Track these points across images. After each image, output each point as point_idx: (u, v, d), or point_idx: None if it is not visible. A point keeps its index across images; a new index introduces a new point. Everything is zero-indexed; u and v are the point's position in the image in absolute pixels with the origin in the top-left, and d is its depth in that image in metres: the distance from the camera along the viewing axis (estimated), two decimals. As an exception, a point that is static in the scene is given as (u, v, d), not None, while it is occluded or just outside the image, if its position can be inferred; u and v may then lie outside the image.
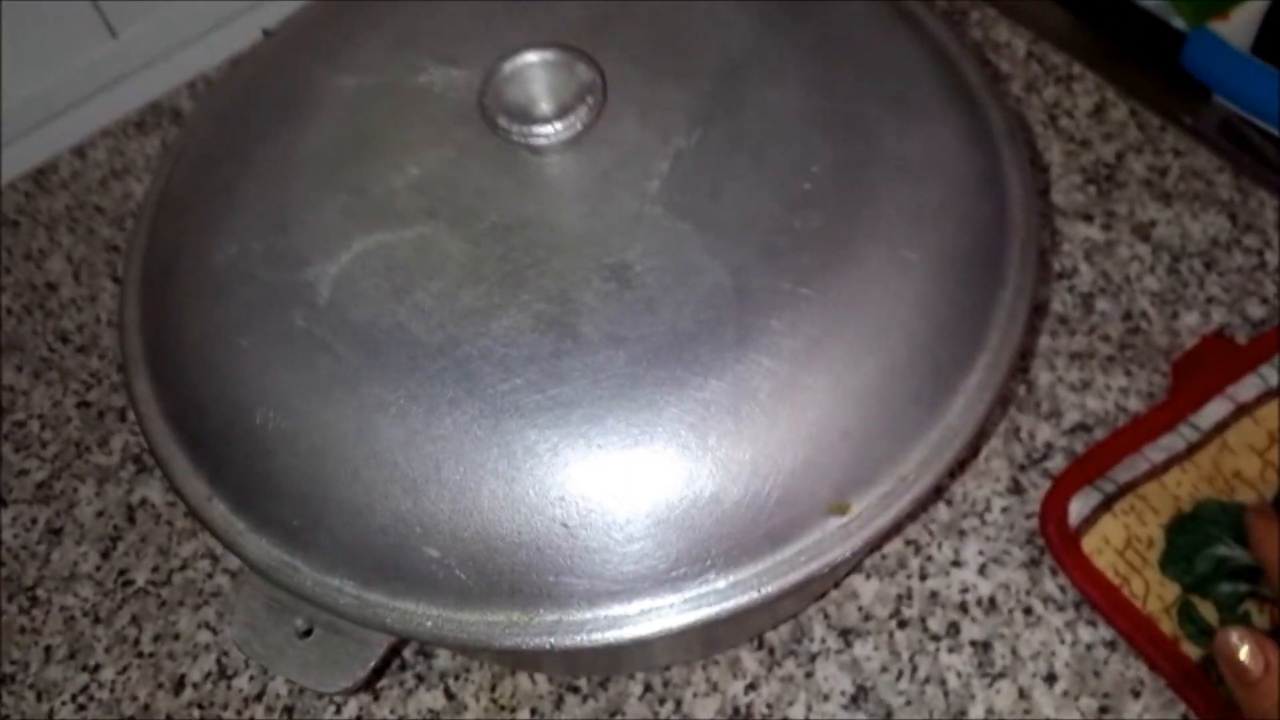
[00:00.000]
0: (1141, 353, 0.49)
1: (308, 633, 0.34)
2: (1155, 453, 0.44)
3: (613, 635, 0.32)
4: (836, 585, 0.45)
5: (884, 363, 0.33)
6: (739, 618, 0.32)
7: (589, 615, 0.32)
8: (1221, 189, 0.52)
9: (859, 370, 0.33)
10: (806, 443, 0.32)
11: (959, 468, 0.47)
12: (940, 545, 0.45)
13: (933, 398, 0.33)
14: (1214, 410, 0.45)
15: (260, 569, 0.34)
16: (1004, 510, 0.46)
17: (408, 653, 0.45)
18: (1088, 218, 0.52)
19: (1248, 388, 0.45)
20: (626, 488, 0.32)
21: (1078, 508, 0.43)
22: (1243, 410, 0.44)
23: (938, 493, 0.46)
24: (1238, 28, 0.51)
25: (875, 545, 0.39)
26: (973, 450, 0.47)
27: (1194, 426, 0.45)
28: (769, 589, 0.32)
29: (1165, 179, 0.53)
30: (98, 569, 0.49)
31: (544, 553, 0.32)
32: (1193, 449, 0.44)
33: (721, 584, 0.32)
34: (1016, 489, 0.46)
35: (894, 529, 0.34)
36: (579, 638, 0.32)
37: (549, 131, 0.34)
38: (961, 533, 0.46)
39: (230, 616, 0.34)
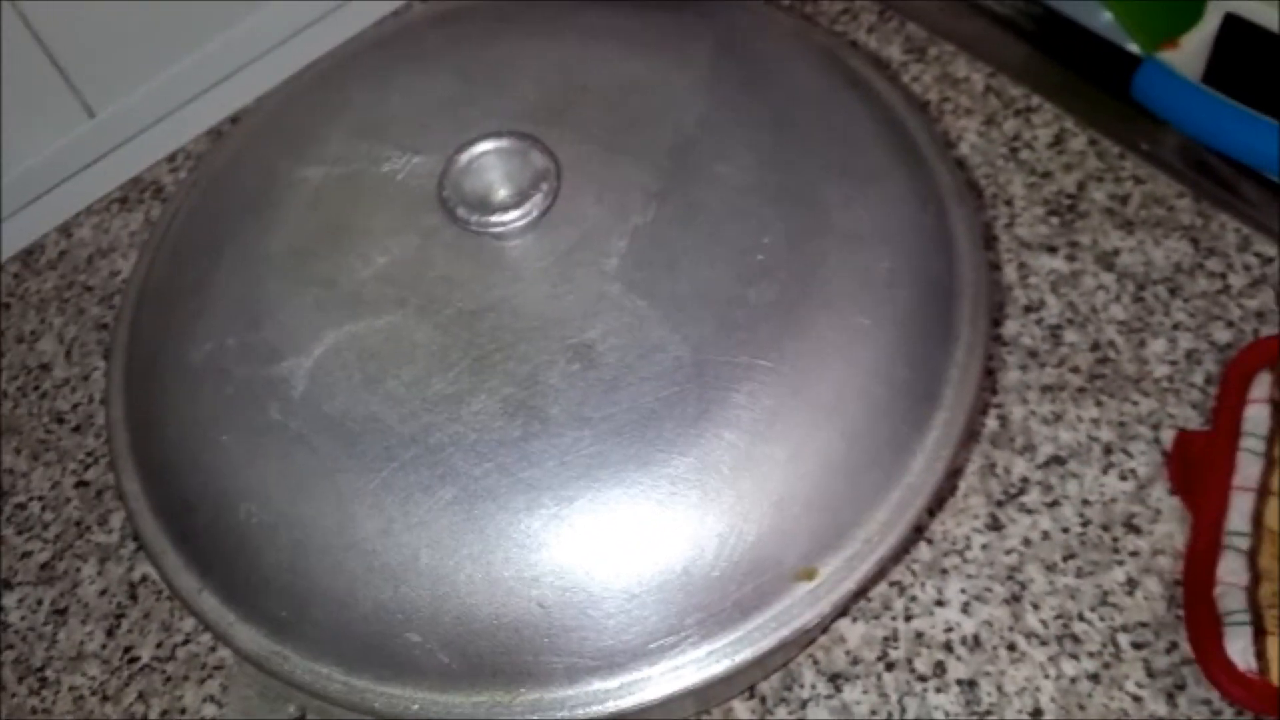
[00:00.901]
0: (1111, 382, 0.50)
1: (300, 719, 0.36)
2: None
3: (595, 710, 0.33)
4: (824, 630, 0.46)
5: (843, 428, 0.34)
6: (722, 681, 0.33)
7: (570, 692, 0.33)
8: (1183, 214, 0.53)
9: (818, 437, 0.34)
10: (771, 512, 0.33)
11: (937, 505, 0.48)
12: (923, 585, 0.46)
13: (892, 459, 0.34)
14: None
15: (251, 659, 0.35)
16: (984, 547, 0.47)
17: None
18: (1052, 249, 0.53)
19: None
20: (599, 566, 0.33)
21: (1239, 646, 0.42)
22: None
23: (918, 531, 0.47)
24: (1188, 56, 0.52)
25: (844, 607, 0.40)
26: (950, 488, 0.48)
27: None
28: (742, 656, 0.33)
29: (1126, 206, 0.54)
30: (103, 647, 0.51)
31: (522, 633, 0.33)
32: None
33: (697, 654, 0.33)
34: (995, 525, 0.47)
35: (862, 590, 0.35)
36: (561, 714, 0.33)
37: (507, 219, 0.36)
38: (943, 571, 0.46)
39: (226, 706, 0.36)
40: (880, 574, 0.36)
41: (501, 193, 0.36)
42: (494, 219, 0.35)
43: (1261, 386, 0.46)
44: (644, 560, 0.33)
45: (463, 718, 0.33)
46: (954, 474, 0.36)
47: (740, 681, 0.43)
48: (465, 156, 0.36)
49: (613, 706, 0.33)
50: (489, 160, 0.36)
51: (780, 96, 0.39)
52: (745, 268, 0.35)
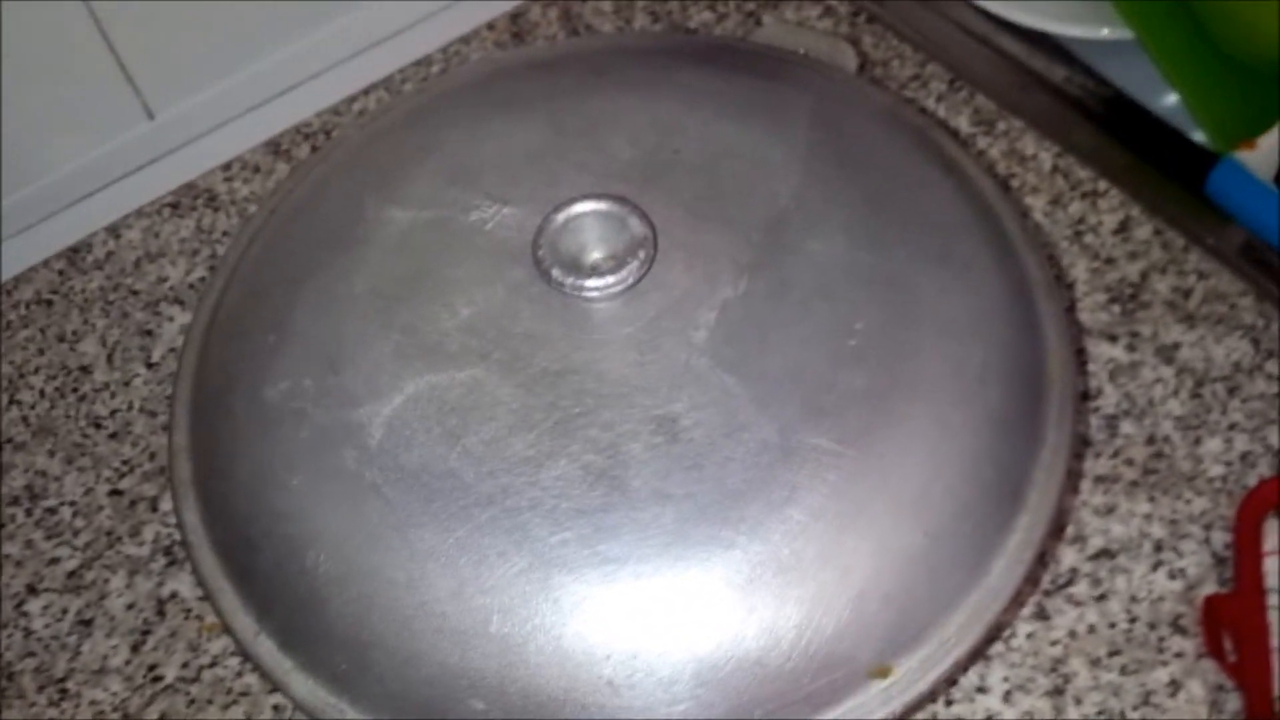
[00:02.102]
0: (1165, 478, 0.49)
1: (351, 775, 0.35)
2: None
3: (655, 794, 0.32)
4: None
5: (927, 525, 0.34)
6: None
7: (632, 774, 0.32)
8: (1244, 313, 0.53)
9: (902, 533, 0.33)
10: (850, 606, 0.33)
11: (983, 589, 0.48)
12: (966, 670, 0.46)
13: (974, 559, 0.34)
14: None
15: (307, 709, 0.34)
16: (1029, 636, 0.46)
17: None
18: (1112, 338, 0.53)
19: None
20: (673, 648, 0.32)
21: None
22: None
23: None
24: (1263, 157, 0.52)
25: (916, 708, 0.39)
26: (997, 572, 0.48)
27: None
28: (810, 752, 0.32)
29: (1189, 300, 0.54)
30: (127, 663, 0.50)
31: (589, 710, 0.32)
32: None
33: (764, 746, 0.32)
34: (1042, 614, 0.47)
35: (935, 692, 0.34)
36: (621, 796, 0.32)
37: (601, 285, 0.35)
38: (987, 658, 0.46)
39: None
40: (954, 676, 0.36)
41: (596, 255, 0.36)
42: (588, 283, 0.35)
43: (1273, 536, 0.46)
44: (718, 646, 0.32)
45: (520, 790, 0.33)
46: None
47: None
48: (562, 215, 0.36)
49: (675, 792, 0.32)
50: (586, 221, 0.36)
51: (874, 176, 0.39)
52: (836, 351, 0.35)
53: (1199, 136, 0.57)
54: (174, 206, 0.62)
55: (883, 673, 0.33)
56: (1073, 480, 0.50)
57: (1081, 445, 0.50)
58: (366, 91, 0.64)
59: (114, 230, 0.62)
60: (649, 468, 0.34)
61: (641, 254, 0.36)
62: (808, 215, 0.38)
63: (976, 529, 0.34)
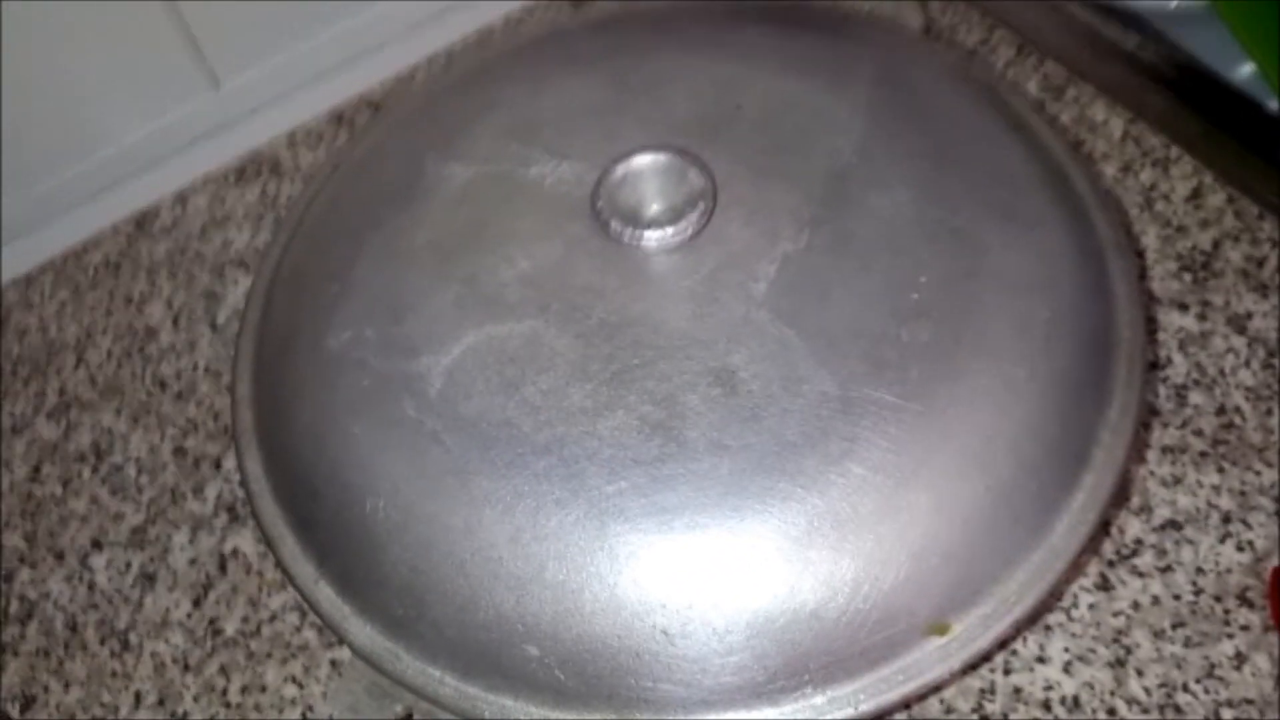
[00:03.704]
0: (1235, 449, 0.48)
1: (407, 719, 0.35)
2: None
3: (709, 744, 0.32)
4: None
5: (989, 482, 0.33)
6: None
7: (685, 723, 0.32)
8: (1320, 283, 0.51)
9: (964, 489, 0.33)
10: (908, 561, 0.32)
11: (1045, 559, 0.47)
12: (1025, 640, 0.45)
13: (1036, 518, 0.33)
14: None
15: (364, 654, 0.35)
16: (1090, 607, 0.46)
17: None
18: (1183, 306, 0.52)
19: None
20: (728, 598, 0.32)
21: None
22: None
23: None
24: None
25: (974, 666, 0.39)
26: (1059, 542, 0.47)
27: None
28: (865, 707, 0.32)
29: (1262, 270, 0.52)
30: (189, 616, 0.51)
31: (643, 659, 0.32)
32: None
33: (818, 700, 0.32)
34: (1105, 585, 0.46)
35: (993, 650, 0.34)
36: (674, 745, 0.32)
37: (660, 236, 0.35)
38: (1047, 628, 0.45)
39: (332, 699, 0.35)
40: (1013, 635, 0.35)
41: (655, 208, 0.36)
42: (647, 234, 0.35)
43: None
44: (773, 597, 0.32)
45: (573, 738, 0.33)
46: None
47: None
48: (621, 168, 0.36)
49: (728, 743, 0.32)
50: (645, 174, 0.36)
51: (940, 131, 0.38)
52: (899, 305, 0.35)
53: (1275, 105, 0.55)
54: (239, 174, 0.63)
55: (941, 630, 0.32)
56: (1139, 451, 0.48)
57: (1149, 415, 0.49)
58: (429, 61, 0.64)
59: (181, 197, 0.63)
60: (706, 419, 0.33)
61: (701, 206, 0.35)
62: (871, 169, 0.37)
63: (1040, 487, 0.34)
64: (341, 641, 0.35)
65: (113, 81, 0.59)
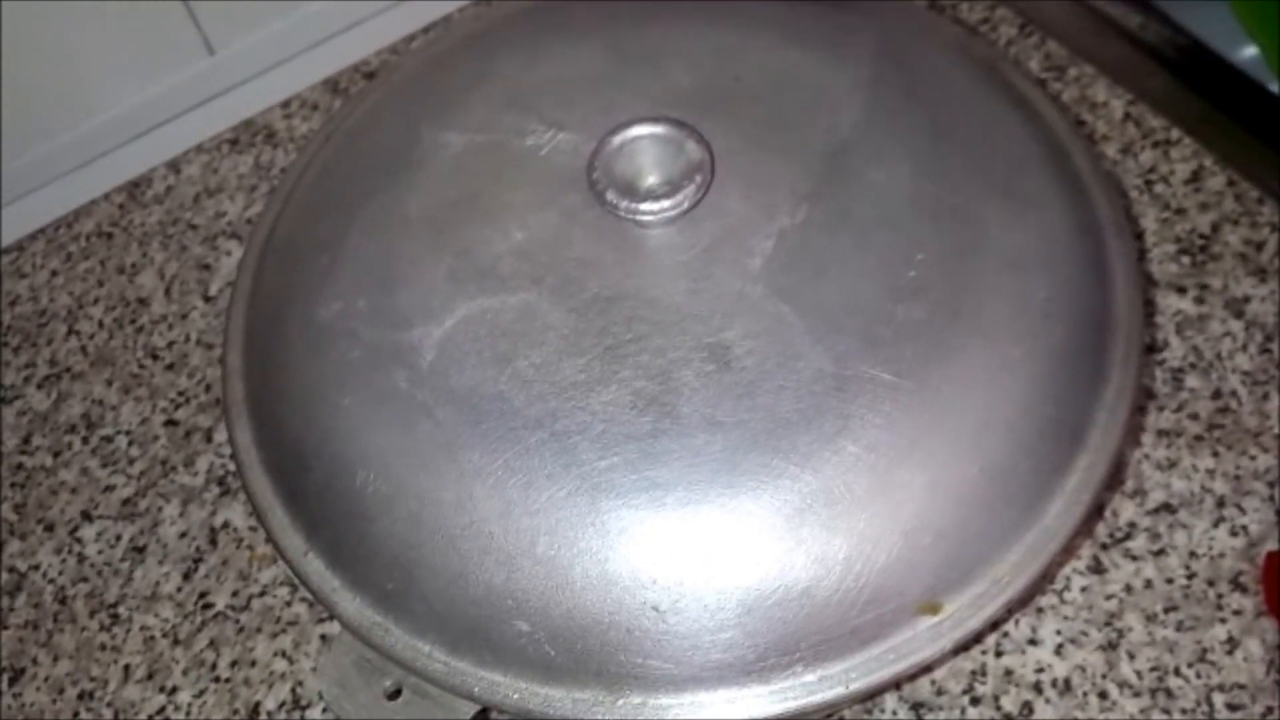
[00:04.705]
0: (1230, 433, 0.48)
1: (395, 694, 0.35)
2: None
3: (698, 721, 0.32)
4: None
5: (983, 461, 0.33)
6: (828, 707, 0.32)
7: (674, 700, 0.32)
8: (1320, 268, 0.51)
9: (957, 468, 0.33)
10: (901, 540, 0.32)
11: (1038, 541, 0.47)
12: (1017, 622, 0.45)
13: (1030, 499, 0.33)
14: None
15: (353, 627, 0.34)
16: (1083, 590, 0.45)
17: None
18: (1180, 289, 0.51)
19: None
20: (719, 575, 0.32)
21: None
22: None
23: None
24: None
25: (965, 647, 0.39)
26: (1053, 524, 0.47)
27: None
28: (856, 685, 0.32)
29: (1261, 254, 0.52)
30: (178, 590, 0.50)
31: (633, 635, 0.32)
32: None
33: (809, 678, 0.32)
34: (1097, 568, 0.46)
35: (984, 632, 0.33)
36: (663, 721, 0.32)
37: (656, 208, 0.35)
38: (1039, 610, 0.45)
39: (321, 672, 0.35)
40: (1005, 617, 0.35)
41: (651, 180, 0.35)
42: (643, 206, 0.35)
43: None
44: (765, 575, 0.32)
45: (563, 713, 0.33)
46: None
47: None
48: (618, 139, 0.35)
49: (716, 720, 0.32)
50: (642, 145, 0.35)
51: (940, 107, 0.38)
52: (895, 283, 0.34)
53: (1276, 87, 0.55)
54: (233, 143, 0.62)
55: (932, 609, 0.32)
56: (1134, 433, 0.48)
57: (1145, 398, 0.49)
58: (425, 30, 0.63)
59: (174, 165, 0.62)
60: (700, 395, 0.33)
61: (698, 178, 0.35)
62: (870, 144, 0.37)
63: (1035, 467, 0.33)
64: (330, 615, 0.35)
65: (106, 48, 0.58)
